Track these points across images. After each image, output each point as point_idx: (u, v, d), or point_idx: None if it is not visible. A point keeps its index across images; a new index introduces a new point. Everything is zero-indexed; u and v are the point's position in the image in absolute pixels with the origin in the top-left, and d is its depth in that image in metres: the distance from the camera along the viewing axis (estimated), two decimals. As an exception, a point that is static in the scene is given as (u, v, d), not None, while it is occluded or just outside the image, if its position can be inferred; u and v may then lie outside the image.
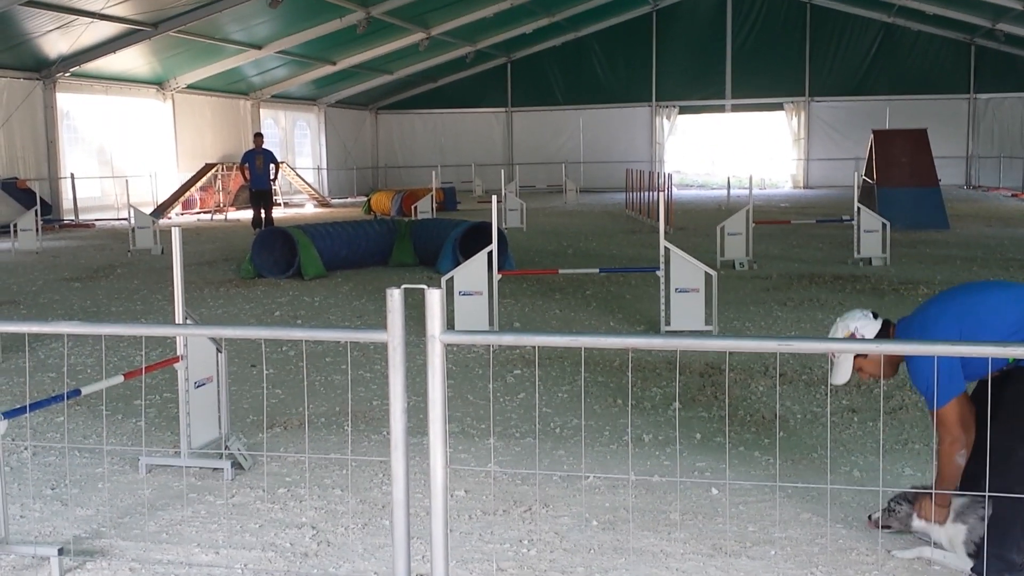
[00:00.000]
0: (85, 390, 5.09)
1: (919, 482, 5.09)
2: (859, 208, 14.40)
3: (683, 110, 39.96)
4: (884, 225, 14.17)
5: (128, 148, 27.57)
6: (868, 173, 20.44)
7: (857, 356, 4.18)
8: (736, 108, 39.56)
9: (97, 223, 24.11)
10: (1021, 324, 3.91)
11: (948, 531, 4.11)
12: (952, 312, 4.06)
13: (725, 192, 24.61)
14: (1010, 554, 3.85)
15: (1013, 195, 29.49)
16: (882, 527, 4.33)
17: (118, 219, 23.35)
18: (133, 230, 17.93)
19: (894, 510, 4.27)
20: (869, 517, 4.44)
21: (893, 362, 4.21)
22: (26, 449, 5.97)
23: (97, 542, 4.60)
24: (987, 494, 3.74)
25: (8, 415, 4.39)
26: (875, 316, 4.21)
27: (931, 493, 4.13)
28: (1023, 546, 3.87)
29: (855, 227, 14.31)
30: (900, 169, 19.87)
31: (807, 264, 14.16)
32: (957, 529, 4.07)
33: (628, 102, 39.47)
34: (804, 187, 37.76)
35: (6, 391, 7.53)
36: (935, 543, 4.17)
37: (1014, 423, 3.80)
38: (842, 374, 4.20)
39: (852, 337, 4.13)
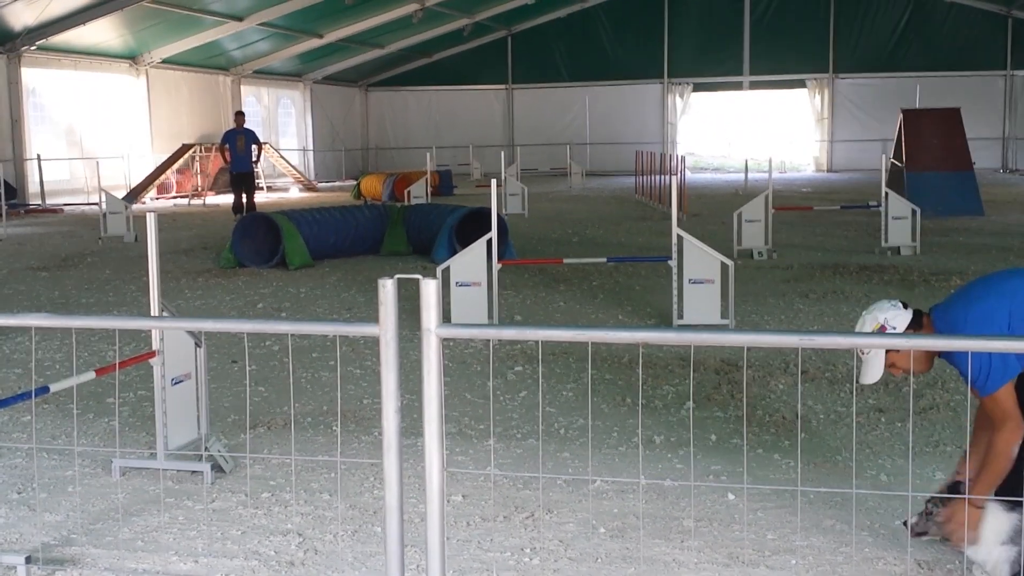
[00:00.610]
0: (54, 387, 5.11)
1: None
2: (887, 193, 14.39)
3: (697, 87, 39.91)
4: (914, 212, 14.17)
5: (99, 127, 27.56)
6: (896, 156, 20.41)
7: (888, 351, 4.07)
8: (755, 85, 39.51)
9: (66, 208, 24.11)
10: None
11: (995, 552, 4.00)
12: (996, 297, 4.00)
13: (742, 176, 24.58)
14: None
15: (1053, 179, 29.50)
16: (919, 534, 4.23)
17: (88, 204, 23.37)
18: (104, 216, 17.91)
19: (932, 513, 4.18)
20: (904, 523, 4.32)
21: (929, 355, 4.15)
22: (-10, 451, 5.99)
23: (67, 550, 4.61)
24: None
25: (-29, 414, 4.40)
26: (905, 306, 4.16)
27: (963, 497, 4.08)
28: None
29: (883, 214, 14.31)
30: (931, 152, 19.84)
31: (831, 253, 14.16)
32: (1004, 551, 3.97)
33: (638, 79, 39.41)
34: (828, 171, 37.75)
35: (-31, 388, 7.54)
36: (968, 567, 4.10)
37: None
38: (873, 373, 4.12)
39: (881, 331, 4.07)
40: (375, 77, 41.55)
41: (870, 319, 4.14)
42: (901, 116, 20.97)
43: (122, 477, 5.55)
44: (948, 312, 4.10)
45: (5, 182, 21.14)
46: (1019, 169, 35.22)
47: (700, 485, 5.27)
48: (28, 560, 4.26)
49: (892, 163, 19.30)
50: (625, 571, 4.32)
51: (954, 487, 4.20)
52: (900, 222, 14.19)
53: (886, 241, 14.19)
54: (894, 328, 4.06)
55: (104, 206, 17.99)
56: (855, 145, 37.02)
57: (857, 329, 4.23)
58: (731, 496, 5.13)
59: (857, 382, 4.26)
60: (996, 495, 4.13)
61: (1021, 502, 4.06)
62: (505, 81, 41.16)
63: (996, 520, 4.03)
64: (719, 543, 4.58)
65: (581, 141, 38.90)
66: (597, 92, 39.65)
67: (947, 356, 4.07)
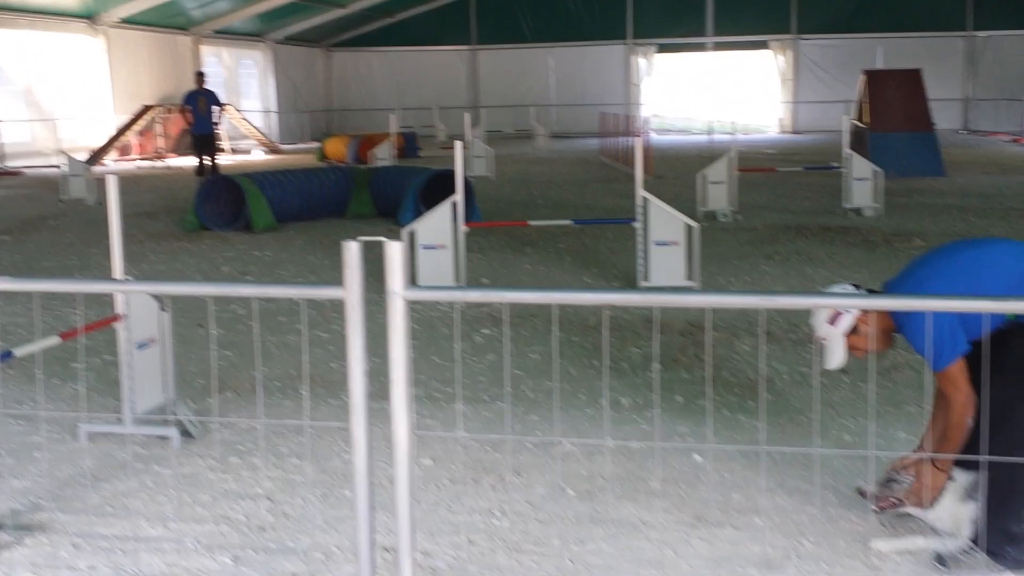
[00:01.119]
0: (18, 352, 5.06)
1: (915, 445, 5.16)
2: (849, 155, 14.47)
3: (661, 48, 39.84)
4: (876, 173, 14.25)
5: (58, 88, 27.13)
6: (859, 117, 20.53)
7: (848, 335, 4.15)
8: (719, 46, 39.42)
9: (25, 171, 23.77)
10: (1021, 279, 3.94)
11: (954, 511, 4.07)
12: (946, 268, 4.07)
13: (707, 137, 24.65)
14: (1011, 524, 3.90)
15: (1013, 140, 29.75)
16: (884, 508, 4.23)
17: (48, 166, 23.05)
18: (65, 178, 17.70)
19: (896, 480, 4.20)
20: (859, 491, 4.37)
21: (887, 332, 4.20)
22: (-46, 417, 5.93)
23: (35, 516, 4.59)
24: (985, 458, 3.80)
25: (-65, 380, 4.35)
26: (858, 287, 4.22)
27: (927, 457, 4.15)
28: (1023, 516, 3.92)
29: (845, 175, 14.40)
30: (893, 113, 19.96)
31: (794, 215, 14.25)
32: (965, 509, 4.04)
33: (602, 40, 39.28)
34: (791, 132, 37.88)
35: (-70, 354, 7.45)
36: (931, 527, 4.16)
37: (1015, 384, 3.84)
38: (836, 357, 4.18)
39: (835, 316, 4.13)
40: (338, 37, 41.13)
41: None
42: (863, 77, 21.06)
43: (89, 442, 5.52)
44: (900, 291, 4.14)
45: (-38, 144, 20.83)
46: (980, 130, 35.49)
47: (666, 446, 5.31)
48: (-5, 527, 4.24)
49: (854, 124, 19.39)
50: (593, 532, 4.36)
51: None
52: (862, 183, 14.28)
53: (849, 202, 14.28)
54: (849, 312, 4.12)
55: (65, 168, 17.77)
56: (818, 106, 37.14)
57: (813, 319, 4.27)
58: (697, 457, 5.18)
59: (824, 368, 4.28)
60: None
61: (976, 462, 4.15)
62: (469, 42, 40.88)
63: (955, 480, 4.11)
64: (685, 504, 4.63)
65: (546, 103, 38.75)
66: (562, 53, 39.48)
67: (902, 333, 4.12)
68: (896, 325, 4.14)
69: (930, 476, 4.11)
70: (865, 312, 4.13)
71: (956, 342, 3.95)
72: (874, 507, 4.29)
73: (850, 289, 4.20)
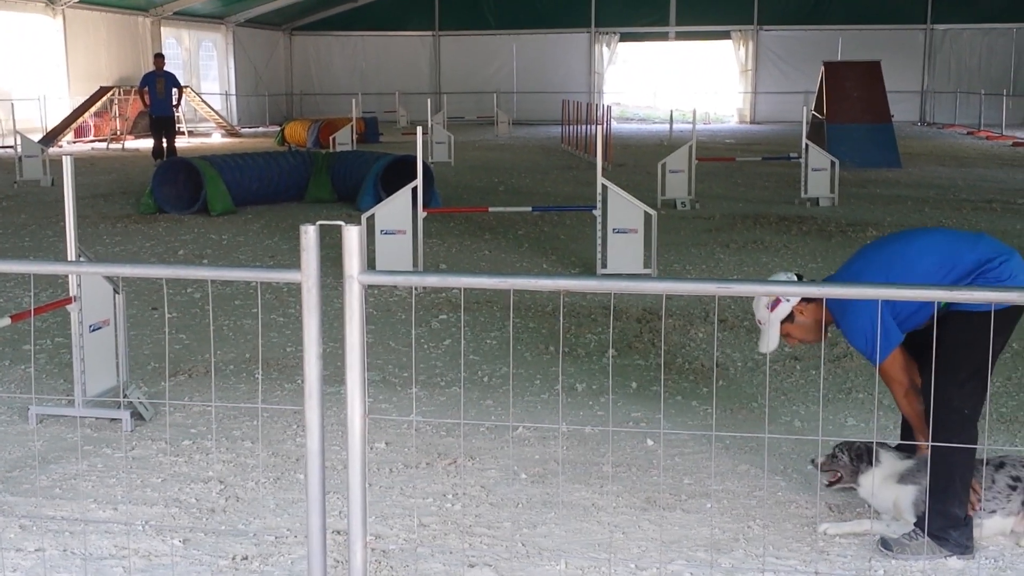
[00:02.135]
0: (-33, 334, 5.00)
1: (862, 433, 5.25)
2: (807, 145, 14.59)
3: (624, 37, 39.86)
4: (833, 163, 14.38)
5: (14, 68, 26.74)
6: (818, 108, 20.66)
7: (784, 322, 4.27)
8: (680, 36, 39.59)
9: (-21, 151, 23.43)
10: (952, 267, 4.01)
11: (894, 493, 4.16)
12: (878, 262, 4.16)
13: (668, 127, 24.72)
14: (952, 508, 3.98)
15: (969, 133, 30.08)
16: (828, 483, 4.36)
17: (3, 147, 22.74)
18: (20, 159, 17.48)
19: (837, 457, 4.32)
20: (812, 462, 4.48)
21: (822, 325, 4.30)
22: (-98, 398, 5.86)
23: (-17, 498, 4.55)
24: (928, 443, 3.88)
25: None
26: (800, 278, 4.32)
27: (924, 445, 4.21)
28: (965, 499, 4.00)
29: (803, 165, 14.52)
30: (851, 104, 20.13)
31: (752, 204, 14.34)
32: (904, 491, 4.12)
33: (565, 27, 39.26)
34: (751, 122, 38.07)
35: None
36: (876, 511, 4.24)
37: (949, 371, 3.91)
38: (769, 342, 4.31)
39: (775, 303, 4.24)
40: (299, 21, 40.81)
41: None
42: (823, 68, 21.20)
43: (39, 424, 5.47)
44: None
45: (-85, 123, 20.48)
46: (936, 122, 35.85)
47: (620, 431, 5.35)
48: (-58, 508, 4.20)
49: (813, 115, 19.53)
50: (545, 516, 4.38)
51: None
52: (819, 173, 14.40)
53: (805, 192, 14.40)
54: (788, 300, 4.21)
55: (19, 149, 17.55)
56: (778, 97, 37.37)
57: (754, 304, 4.37)
58: (650, 442, 5.22)
59: (759, 350, 4.40)
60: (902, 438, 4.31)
61: (913, 447, 4.24)
62: (432, 28, 40.70)
63: (892, 464, 4.19)
64: (637, 487, 4.67)
65: (508, 90, 38.70)
66: (525, 40, 39.43)
67: (844, 333, 4.22)
68: (833, 319, 4.25)
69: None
70: (803, 302, 4.23)
71: (890, 335, 4.05)
72: (824, 481, 4.39)
73: (792, 277, 4.29)
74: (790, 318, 4.26)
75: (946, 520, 3.98)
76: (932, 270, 4.01)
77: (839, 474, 4.33)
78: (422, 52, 40.88)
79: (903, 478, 4.14)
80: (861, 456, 4.25)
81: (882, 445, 4.31)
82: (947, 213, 13.52)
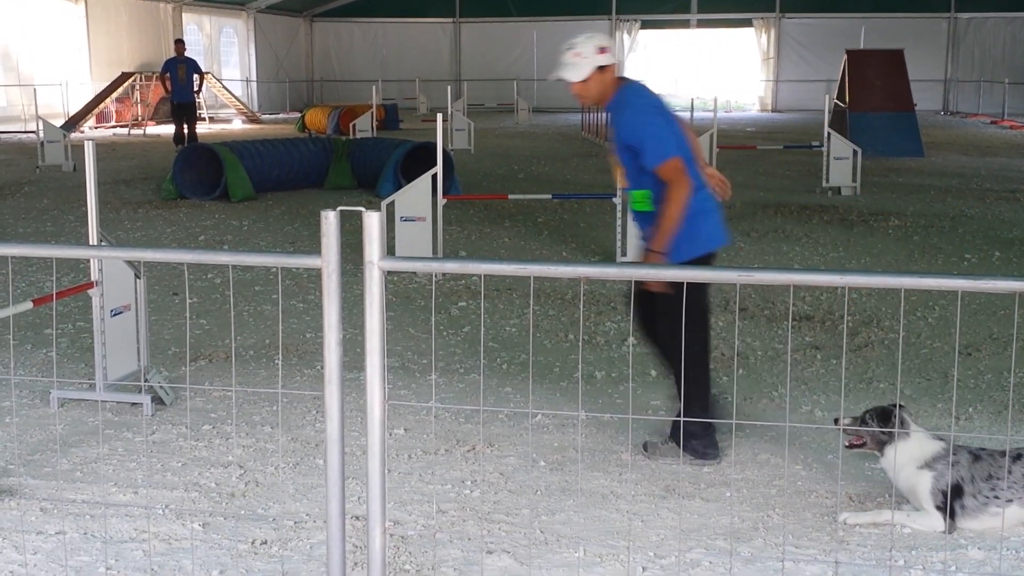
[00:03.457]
0: (-10, 317, 5.03)
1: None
2: (829, 134, 14.50)
3: (645, 24, 39.73)
4: (855, 152, 14.29)
5: (37, 54, 26.85)
6: (840, 96, 20.54)
7: (587, 80, 4.68)
8: (702, 24, 39.41)
9: (2, 136, 23.55)
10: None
11: (911, 479, 4.13)
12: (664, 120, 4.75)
13: (688, 115, 24.64)
14: (693, 410, 4.39)
15: (992, 122, 29.84)
16: (848, 445, 4.33)
17: (25, 132, 22.85)
18: (42, 144, 17.57)
19: (866, 422, 4.27)
20: (835, 420, 4.44)
21: (604, 93, 4.76)
22: (-75, 381, 5.90)
23: (5, 480, 4.57)
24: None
25: (-96, 343, 4.32)
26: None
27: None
28: (705, 402, 4.58)
29: (824, 154, 14.43)
30: (874, 92, 19.99)
31: (773, 193, 14.28)
32: (922, 477, 4.09)
33: (586, 15, 39.10)
34: (772, 110, 37.90)
35: (-98, 318, 7.41)
36: (897, 500, 4.21)
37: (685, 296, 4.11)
38: (571, 73, 4.69)
39: (604, 51, 4.68)
40: (320, 8, 40.82)
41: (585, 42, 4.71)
42: (846, 57, 21.07)
43: (60, 408, 5.50)
44: (630, 95, 4.78)
45: (-62, 108, 20.59)
46: (959, 111, 35.59)
47: (639, 419, 5.34)
48: (-35, 490, 4.23)
49: (835, 103, 19.43)
50: (564, 503, 4.38)
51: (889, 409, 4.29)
52: (841, 162, 14.31)
53: (827, 181, 14.32)
54: (612, 55, 4.74)
55: (42, 134, 17.64)
56: (800, 85, 37.16)
57: (586, 38, 4.75)
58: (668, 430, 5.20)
59: (559, 77, 4.78)
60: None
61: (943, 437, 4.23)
62: (453, 15, 40.66)
63: (920, 444, 4.15)
64: (656, 476, 4.65)
65: (528, 77, 38.59)
66: (545, 27, 39.28)
67: (617, 128, 4.76)
68: (614, 110, 4.79)
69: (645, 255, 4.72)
70: (602, 70, 4.69)
71: (669, 145, 4.62)
72: (845, 442, 4.37)
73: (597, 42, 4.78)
74: (591, 79, 4.69)
75: (688, 426, 4.47)
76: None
77: (863, 439, 4.29)
78: (442, 39, 40.84)
79: (927, 464, 4.10)
80: (890, 425, 4.21)
81: (914, 420, 4.29)
82: (970, 203, 13.42)
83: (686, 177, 4.61)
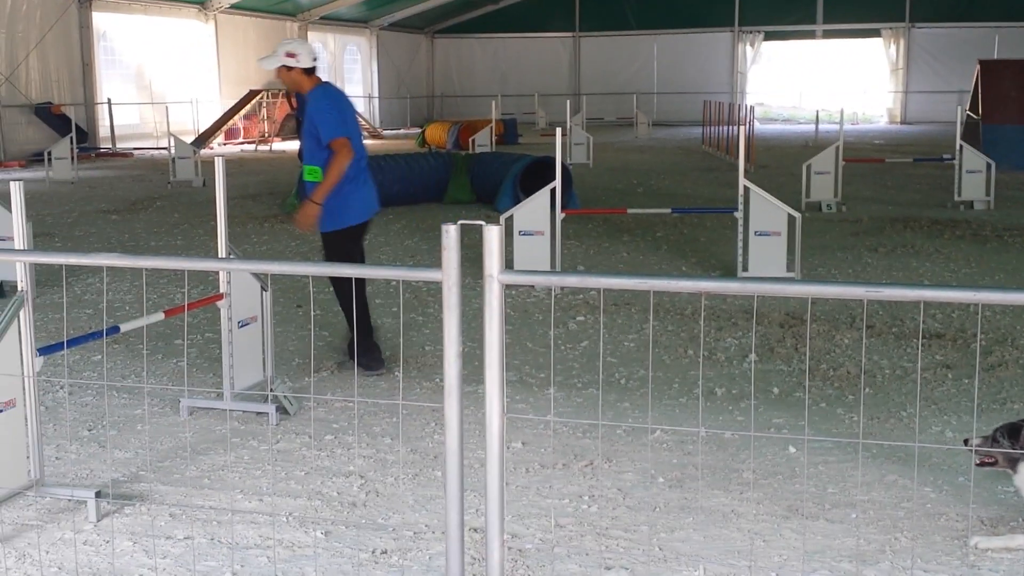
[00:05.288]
0: (124, 327, 5.22)
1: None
2: (961, 146, 14.10)
3: (769, 36, 39.24)
4: (989, 165, 13.86)
5: (168, 73, 27.84)
6: (972, 108, 19.97)
7: (279, 69, 6.29)
8: (828, 34, 38.74)
9: (135, 152, 24.46)
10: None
11: None
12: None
13: (813, 127, 24.23)
14: (351, 333, 5.93)
15: None
16: (979, 463, 4.20)
17: (157, 148, 23.69)
18: (173, 160, 18.16)
19: (997, 440, 4.14)
20: (966, 441, 4.31)
21: (300, 84, 6.33)
22: (62, 388, 6.15)
23: (136, 486, 4.74)
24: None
25: (44, 352, 4.51)
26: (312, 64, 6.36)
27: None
28: (351, 324, 5.92)
29: (956, 167, 14.03)
30: (1008, 104, 19.37)
31: (902, 207, 13.93)
32: None
33: (708, 27, 38.85)
34: (901, 122, 37.03)
35: (41, 327, 7.71)
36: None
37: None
38: (267, 61, 6.35)
39: (296, 56, 6.26)
40: (441, 24, 41.41)
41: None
42: (979, 67, 20.47)
43: (189, 416, 5.68)
44: (322, 91, 6.36)
45: (76, 125, 21.45)
46: (1101, 123, 34.20)
47: (761, 437, 5.26)
48: (98, 495, 4.39)
49: (968, 115, 18.89)
50: (683, 520, 4.34)
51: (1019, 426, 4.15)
52: (974, 176, 13.91)
53: (959, 195, 13.92)
54: (301, 59, 6.32)
55: (173, 151, 18.23)
56: (930, 96, 36.22)
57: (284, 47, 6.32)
58: (792, 449, 5.12)
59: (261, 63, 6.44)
60: None
61: None
62: (572, 29, 40.80)
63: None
64: (779, 495, 4.58)
65: (648, 90, 38.50)
66: (665, 40, 39.16)
67: (307, 120, 6.26)
68: (310, 99, 6.24)
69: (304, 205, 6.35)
70: (289, 69, 6.28)
71: (340, 128, 6.15)
72: (976, 460, 4.24)
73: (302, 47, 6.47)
74: (289, 69, 6.26)
75: (355, 348, 5.99)
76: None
77: (994, 458, 4.15)
78: (562, 53, 41.00)
79: None
80: (1022, 441, 4.07)
81: None
82: (1112, 217, 12.89)
83: (350, 152, 6.15)
